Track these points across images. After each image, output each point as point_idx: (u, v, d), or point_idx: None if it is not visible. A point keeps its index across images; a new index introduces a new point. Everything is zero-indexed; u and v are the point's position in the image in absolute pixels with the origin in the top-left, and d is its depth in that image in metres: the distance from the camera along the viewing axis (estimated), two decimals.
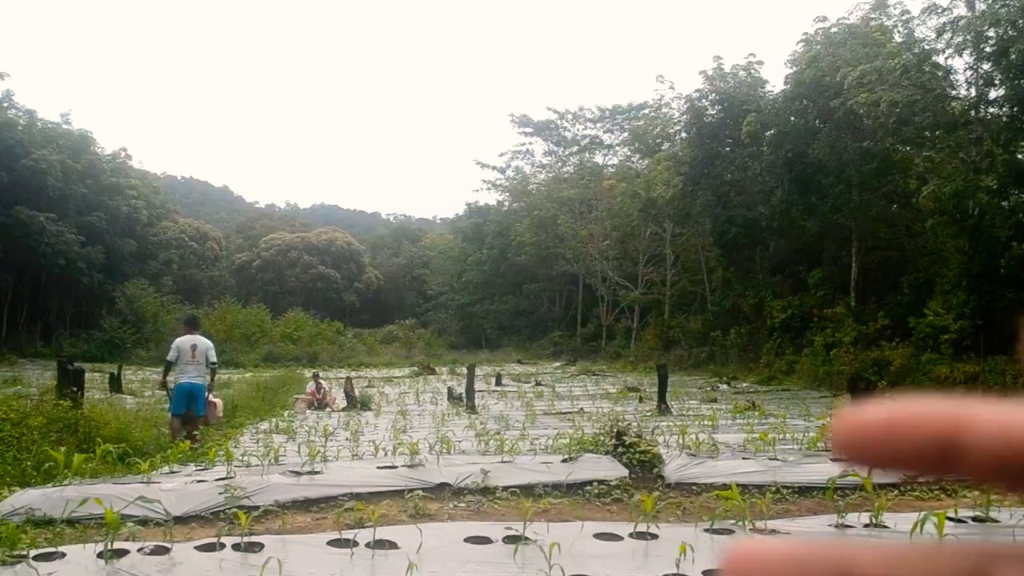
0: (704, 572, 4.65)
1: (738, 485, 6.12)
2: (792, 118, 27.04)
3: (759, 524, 5.67)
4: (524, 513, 5.40)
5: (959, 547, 0.20)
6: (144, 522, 5.58)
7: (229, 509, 5.85)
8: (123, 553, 4.87)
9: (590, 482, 7.02)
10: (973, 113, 21.04)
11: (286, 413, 14.94)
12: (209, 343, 10.25)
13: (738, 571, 0.19)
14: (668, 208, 34.45)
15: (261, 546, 5.08)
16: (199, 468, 7.69)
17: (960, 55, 20.93)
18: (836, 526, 5.77)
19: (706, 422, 11.87)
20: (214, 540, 5.13)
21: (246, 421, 13.57)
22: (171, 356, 10.07)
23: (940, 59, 21.31)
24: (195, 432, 9.41)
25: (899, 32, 23.89)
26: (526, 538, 5.15)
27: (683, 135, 34.09)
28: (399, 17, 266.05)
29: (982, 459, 0.21)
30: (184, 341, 10.07)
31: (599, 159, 51.26)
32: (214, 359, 10.24)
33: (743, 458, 8.04)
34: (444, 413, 14.87)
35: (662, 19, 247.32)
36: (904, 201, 25.47)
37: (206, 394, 10.26)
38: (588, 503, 6.68)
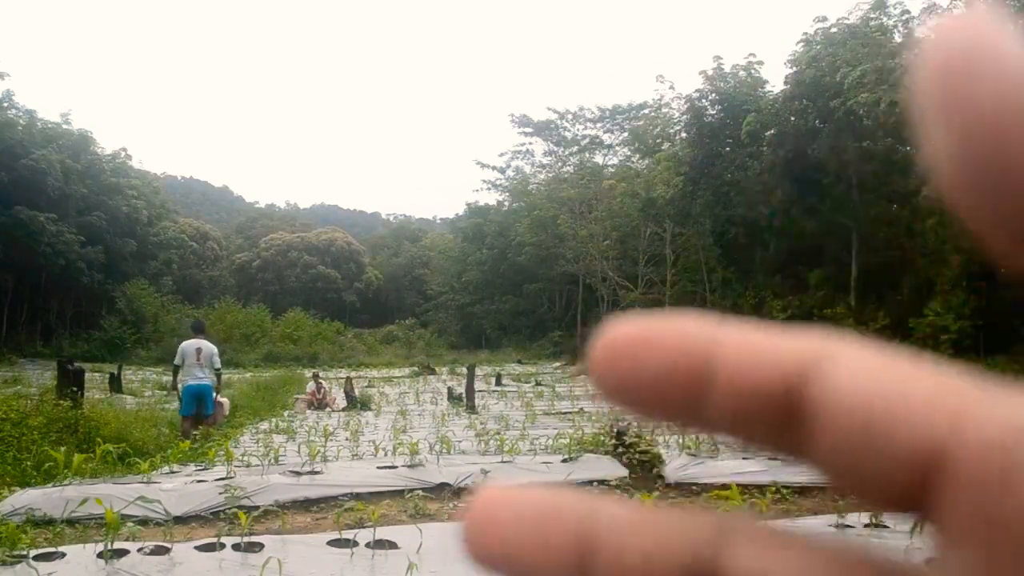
0: None
1: (738, 485, 6.12)
2: (792, 118, 27.05)
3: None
4: None
5: (701, 518, 0.18)
6: (144, 522, 5.58)
7: (229, 509, 5.85)
8: (123, 553, 4.87)
9: (590, 482, 7.01)
10: None
11: (286, 413, 14.95)
12: (213, 348, 10.48)
13: (479, 518, 0.18)
14: (668, 208, 34.44)
15: (261, 546, 5.08)
16: (199, 468, 7.69)
17: None
18: (836, 526, 5.77)
19: None
20: (214, 540, 5.13)
21: (246, 421, 13.59)
22: (177, 360, 10.33)
23: None
24: (194, 432, 9.46)
25: (899, 32, 23.91)
26: None
27: (683, 135, 34.10)
28: (399, 17, 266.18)
29: (728, 395, 0.18)
30: (189, 345, 10.33)
31: (599, 159, 51.33)
32: (218, 364, 10.48)
33: (743, 458, 8.04)
34: (444, 413, 14.87)
35: (662, 19, 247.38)
36: (904, 201, 25.48)
37: (214, 395, 10.46)
38: None
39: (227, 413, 12.31)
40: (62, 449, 7.07)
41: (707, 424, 0.19)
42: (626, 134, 48.87)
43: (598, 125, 51.94)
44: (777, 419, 0.18)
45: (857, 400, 0.16)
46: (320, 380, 17.92)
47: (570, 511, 0.19)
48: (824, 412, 0.17)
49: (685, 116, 32.80)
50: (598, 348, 0.19)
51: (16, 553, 4.82)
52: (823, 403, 0.17)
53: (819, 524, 5.92)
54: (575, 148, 52.52)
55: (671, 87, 64.37)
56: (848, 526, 5.78)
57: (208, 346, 10.40)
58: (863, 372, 0.17)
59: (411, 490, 6.60)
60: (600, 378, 0.19)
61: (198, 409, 10.19)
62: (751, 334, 0.18)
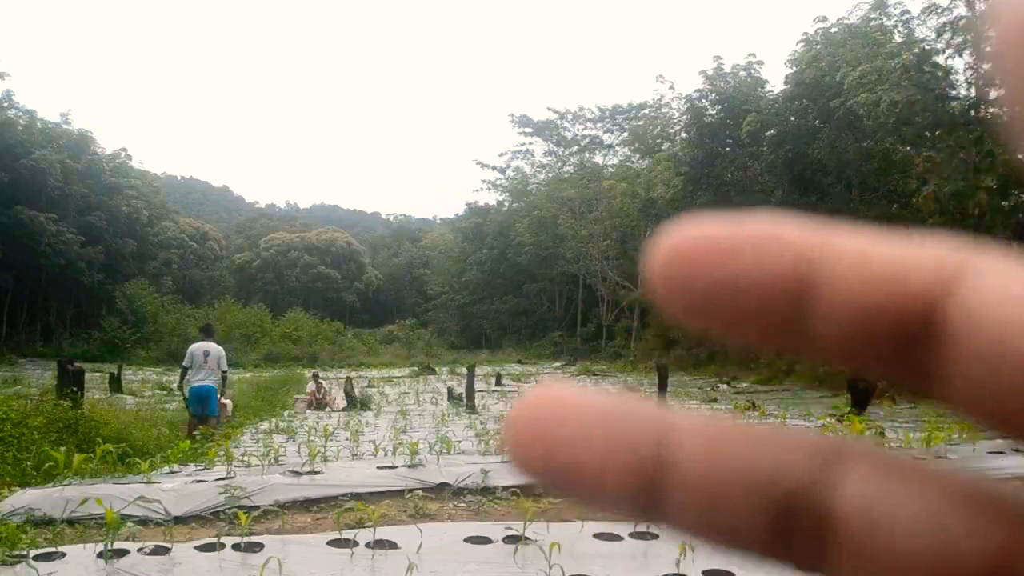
0: (704, 572, 4.65)
1: None
2: (792, 118, 27.04)
3: None
4: (524, 513, 5.40)
5: (797, 439, 0.16)
6: (144, 522, 5.58)
7: (229, 509, 5.85)
8: (123, 553, 4.87)
9: None
10: (973, 113, 21.03)
11: (286, 413, 14.96)
12: (221, 351, 10.79)
13: (529, 421, 0.16)
14: (668, 208, 34.42)
15: (261, 546, 5.08)
16: (199, 468, 7.70)
17: (960, 55, 20.94)
18: None
19: None
20: (214, 540, 5.13)
21: (246, 421, 13.60)
22: (186, 362, 10.65)
23: (940, 59, 21.32)
24: (195, 432, 9.51)
25: (899, 32, 23.92)
26: (526, 538, 5.15)
27: (683, 135, 34.09)
28: (399, 17, 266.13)
29: (839, 310, 0.15)
30: (197, 348, 10.65)
31: (599, 159, 51.34)
32: (224, 366, 10.79)
33: None
34: (444, 413, 14.87)
35: (662, 19, 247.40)
36: (904, 201, 25.47)
37: (218, 396, 10.72)
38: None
39: (230, 414, 12.58)
40: (62, 449, 7.06)
41: (803, 344, 0.16)
42: (626, 134, 48.87)
43: (598, 125, 51.98)
44: (898, 340, 0.15)
45: (1008, 324, 0.14)
46: (320, 380, 17.92)
47: (639, 424, 0.16)
48: (965, 335, 0.14)
49: (685, 116, 32.80)
50: (666, 249, 0.16)
51: (16, 553, 4.82)
52: (964, 325, 0.14)
53: None
54: (575, 148, 52.52)
55: (671, 87, 64.43)
56: None
57: (216, 349, 10.70)
58: (1014, 291, 0.14)
59: (411, 490, 6.60)
60: (668, 285, 0.16)
61: (202, 409, 10.47)
62: (864, 239, 0.16)
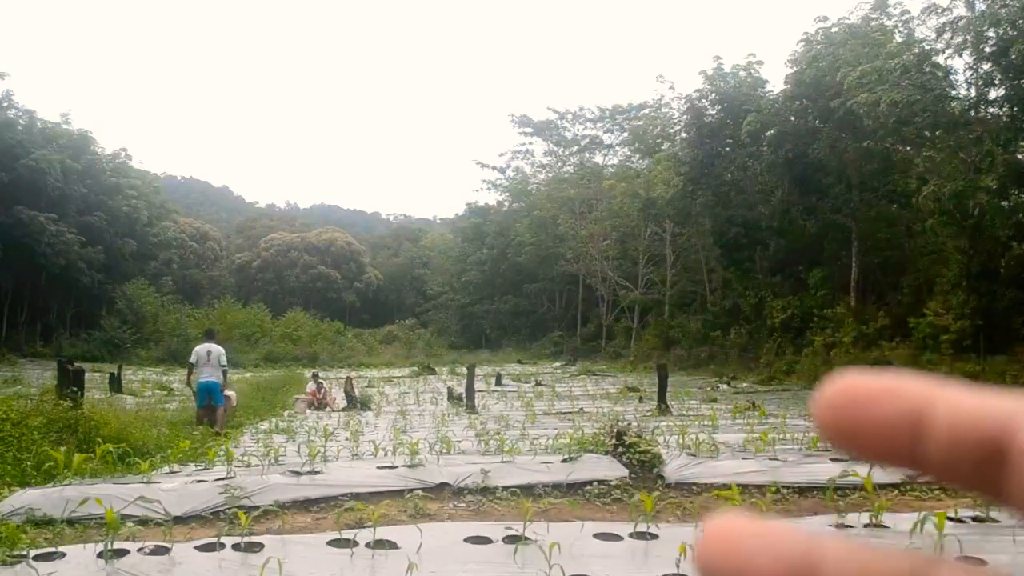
0: None
1: (738, 485, 6.12)
2: (792, 118, 26.99)
3: None
4: (524, 513, 5.40)
5: (908, 555, 0.22)
6: (144, 522, 5.58)
7: (229, 509, 5.85)
8: (123, 553, 4.87)
9: (590, 482, 7.01)
10: (973, 113, 21.02)
11: (286, 413, 14.95)
12: (221, 349, 12.26)
13: (713, 545, 0.22)
14: (668, 208, 34.43)
15: (261, 546, 5.08)
16: (199, 468, 7.69)
17: (960, 55, 20.91)
18: (836, 526, 5.77)
19: (706, 422, 11.87)
20: (214, 540, 5.13)
21: (246, 421, 13.62)
22: (192, 360, 12.20)
23: (940, 59, 21.30)
24: (197, 428, 9.65)
25: (899, 32, 23.88)
26: (526, 538, 5.15)
27: (683, 135, 34.04)
28: (399, 17, 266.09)
29: (940, 443, 0.22)
30: (201, 348, 12.20)
31: (599, 159, 51.26)
32: (224, 363, 12.18)
33: (743, 458, 8.04)
34: (444, 413, 14.86)
35: (662, 19, 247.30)
36: (904, 201, 25.45)
37: (223, 389, 12.11)
38: (588, 503, 6.67)
39: (235, 405, 13.71)
40: (62, 449, 7.06)
41: (921, 467, 0.23)
42: (626, 134, 48.78)
43: (598, 125, 51.83)
44: (983, 463, 0.22)
45: None
46: (320, 380, 17.91)
47: (796, 544, 0.23)
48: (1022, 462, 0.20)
49: (685, 116, 32.75)
50: (827, 398, 0.23)
51: (16, 553, 4.82)
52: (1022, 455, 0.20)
53: (819, 524, 5.92)
54: (575, 148, 52.43)
55: (671, 87, 64.54)
56: (848, 526, 5.78)
57: (216, 348, 12.15)
58: None
59: (411, 490, 6.60)
60: (829, 424, 0.23)
61: (208, 401, 11.80)
62: (962, 392, 0.23)
